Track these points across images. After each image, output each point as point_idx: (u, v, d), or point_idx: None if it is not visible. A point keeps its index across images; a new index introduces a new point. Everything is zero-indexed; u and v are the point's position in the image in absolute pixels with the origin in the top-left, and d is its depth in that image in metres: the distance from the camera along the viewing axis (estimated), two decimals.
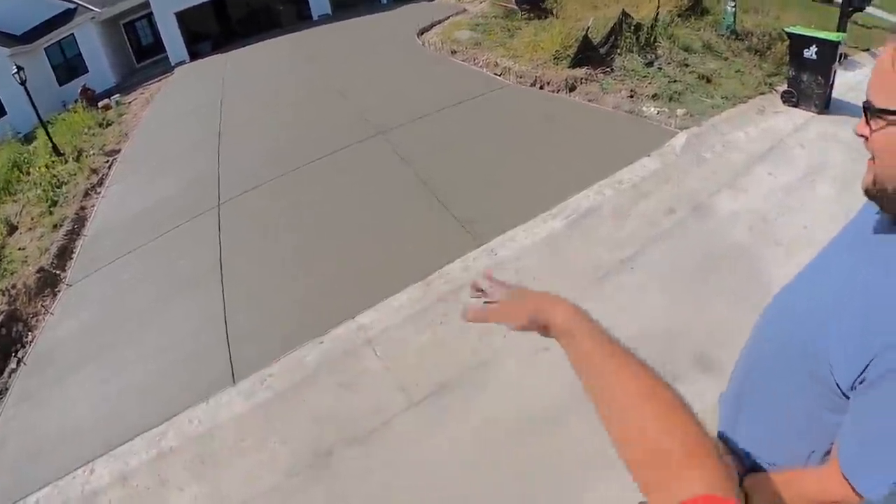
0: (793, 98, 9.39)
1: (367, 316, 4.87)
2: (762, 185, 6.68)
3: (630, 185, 6.26)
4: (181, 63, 22.07)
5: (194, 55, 22.57)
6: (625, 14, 10.09)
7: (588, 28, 9.43)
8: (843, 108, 9.87)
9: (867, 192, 1.16)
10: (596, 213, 5.80)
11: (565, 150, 7.17)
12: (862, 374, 1.06)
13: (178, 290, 6.59)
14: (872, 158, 1.10)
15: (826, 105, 9.44)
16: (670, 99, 8.61)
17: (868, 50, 16.40)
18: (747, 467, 1.50)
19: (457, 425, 3.70)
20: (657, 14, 10.83)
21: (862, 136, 1.12)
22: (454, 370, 4.10)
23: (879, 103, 1.03)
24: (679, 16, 12.23)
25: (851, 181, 6.28)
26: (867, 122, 1.08)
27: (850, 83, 11.28)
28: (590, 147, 7.24)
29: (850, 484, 1.11)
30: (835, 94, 9.82)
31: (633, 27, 10.08)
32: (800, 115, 9.15)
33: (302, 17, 23.97)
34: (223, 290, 6.15)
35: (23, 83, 13.56)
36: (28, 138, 18.00)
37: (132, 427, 4.67)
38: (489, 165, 7.05)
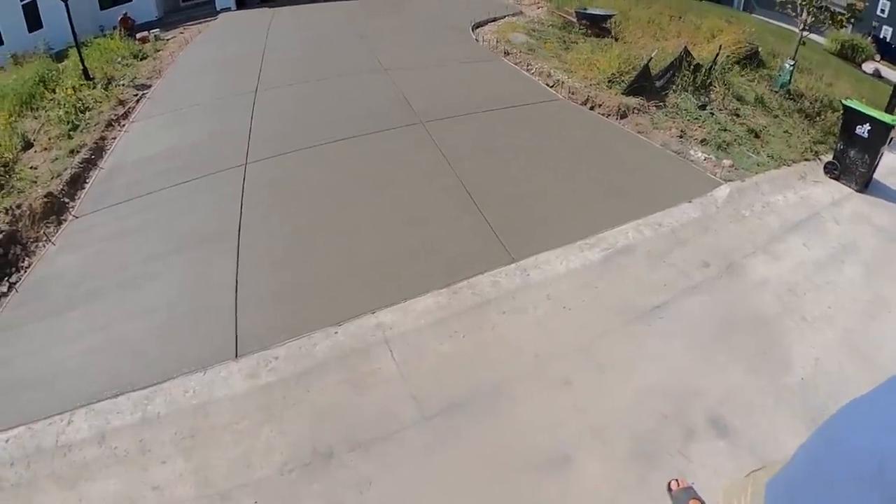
0: (835, 171, 9.27)
1: (387, 314, 4.70)
2: (795, 255, 6.59)
3: (669, 230, 6.16)
4: (226, 9, 21.71)
5: (241, 4, 22.18)
6: (686, 51, 9.92)
7: (651, 58, 9.25)
8: (881, 191, 9.75)
9: None
10: (632, 252, 5.70)
11: (609, 179, 7.04)
12: None
13: (190, 245, 6.28)
14: None
15: (866, 185, 9.34)
16: (718, 147, 8.48)
17: None
18: None
19: (466, 450, 3.57)
20: (717, 57, 10.67)
21: None
22: (469, 389, 3.96)
23: None
24: (737, 62, 12.08)
25: (879, 268, 6.25)
26: None
27: (891, 166, 11.18)
28: (633, 181, 7.11)
29: None
30: (876, 174, 9.71)
31: (691, 66, 9.91)
32: (839, 189, 9.03)
33: None
34: (238, 255, 5.88)
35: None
36: (59, 56, 17.53)
37: (119, 383, 4.42)
38: (530, 178, 6.90)
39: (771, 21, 19.65)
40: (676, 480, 3.48)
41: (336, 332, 4.55)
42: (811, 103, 12.25)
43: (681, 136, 8.42)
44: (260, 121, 9.00)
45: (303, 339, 4.53)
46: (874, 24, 28.31)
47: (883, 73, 29.14)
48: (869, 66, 25.81)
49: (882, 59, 27.79)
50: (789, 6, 11.89)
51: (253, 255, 5.87)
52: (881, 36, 29.33)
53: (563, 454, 3.58)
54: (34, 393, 4.59)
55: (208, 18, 20.06)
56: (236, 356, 4.45)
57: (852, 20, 11.83)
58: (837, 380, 4.83)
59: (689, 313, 5.07)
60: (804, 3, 11.48)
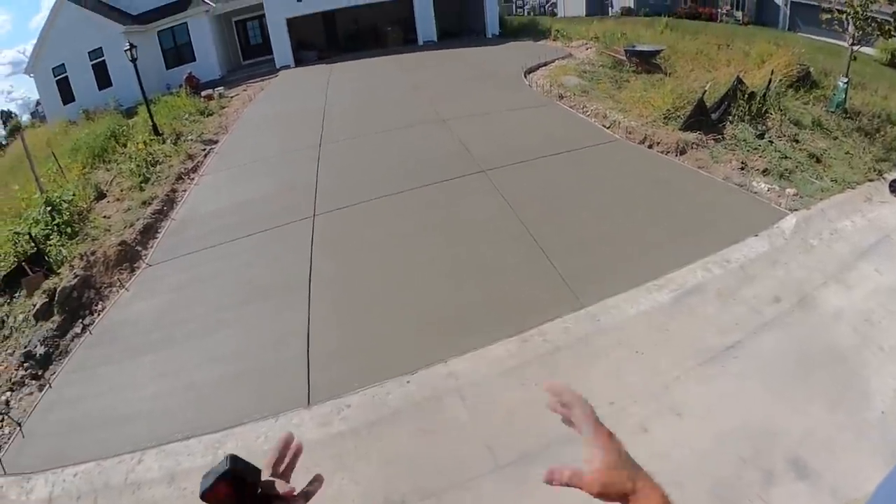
0: None
1: (458, 363, 4.73)
2: (868, 282, 6.56)
3: (738, 266, 6.25)
4: (286, 67, 22.93)
5: (299, 62, 23.45)
6: (739, 81, 10.04)
7: (705, 91, 9.42)
8: None
9: None
10: (702, 291, 5.78)
11: (673, 218, 7.15)
12: None
13: (261, 295, 6.43)
14: None
15: None
16: (780, 176, 8.55)
17: None
18: None
19: (542, 499, 3.66)
20: (769, 83, 10.74)
21: None
22: (543, 439, 3.84)
23: None
24: (790, 86, 12.08)
25: None
26: None
27: None
28: (698, 218, 7.19)
29: None
30: None
31: (745, 95, 10.02)
32: None
33: (408, 41, 24.56)
34: (309, 305, 5.98)
35: (133, 60, 14.13)
36: (129, 113, 18.78)
37: (190, 427, 4.51)
38: (594, 222, 7.05)
39: (818, 38, 19.39)
40: None
41: (408, 382, 4.59)
42: (869, 120, 12.11)
43: (742, 168, 8.52)
44: (325, 174, 9.36)
45: (375, 387, 4.56)
46: None
47: None
48: None
49: None
50: (836, 22, 11.88)
51: (323, 305, 5.97)
52: None
53: None
54: (105, 432, 4.75)
55: (269, 76, 21.18)
56: (308, 404, 4.50)
57: None
58: None
59: (764, 351, 5.07)
60: (850, 15, 11.47)
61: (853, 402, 4.70)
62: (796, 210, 7.68)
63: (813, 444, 4.20)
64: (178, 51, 24.49)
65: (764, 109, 10.32)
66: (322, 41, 25.88)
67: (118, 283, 7.39)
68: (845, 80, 12.00)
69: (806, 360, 5.08)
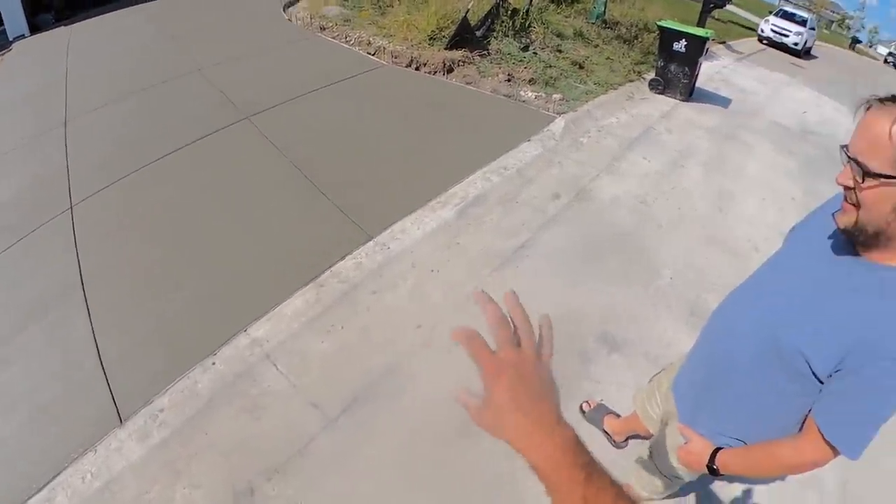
0: (660, 86, 9.76)
1: (259, 328, 4.25)
2: (637, 168, 6.84)
3: (515, 171, 6.13)
4: (20, 37, 19.41)
5: (35, 28, 19.91)
6: None
7: (468, 10, 9.19)
8: (704, 97, 10.46)
9: (845, 231, 1.42)
10: (484, 200, 5.58)
11: (447, 135, 6.89)
12: (839, 364, 1.37)
13: (36, 316, 5.18)
14: (855, 204, 1.35)
15: (690, 94, 9.93)
16: (546, 84, 8.60)
17: (724, 43, 17.68)
18: (718, 446, 1.76)
19: (383, 438, 3.28)
20: None
21: (844, 185, 1.37)
22: (365, 379, 3.69)
23: (877, 168, 1.26)
24: (552, 2, 12.39)
25: (716, 165, 6.60)
26: (854, 178, 1.33)
27: (708, 74, 12.00)
28: (471, 132, 7.01)
29: (829, 445, 1.42)
30: (697, 83, 10.36)
31: (509, 11, 9.99)
32: (666, 102, 9.53)
33: None
34: (89, 311, 4.98)
35: None
36: None
37: (9, 497, 3.71)
38: (370, 151, 6.56)
39: None
40: (587, 402, 3.54)
41: (214, 363, 4.02)
42: (627, 29, 12.86)
43: (509, 80, 8.43)
44: (76, 155, 7.80)
45: (182, 380, 3.96)
46: None
47: None
48: None
49: None
50: None
51: (104, 305, 5.02)
52: None
53: None
54: None
55: (2, 51, 17.84)
56: (121, 422, 3.79)
57: None
58: (703, 272, 5.11)
59: (553, 245, 5.09)
60: None
61: (644, 275, 4.95)
62: (564, 113, 7.76)
63: (617, 319, 4.35)
64: None
65: (527, 24, 10.40)
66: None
67: None
68: None
69: (594, 247, 5.19)
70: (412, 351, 3.89)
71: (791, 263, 1.69)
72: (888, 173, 1.25)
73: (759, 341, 1.58)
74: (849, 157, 1.34)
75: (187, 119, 7.86)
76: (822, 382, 1.43)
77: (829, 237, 1.54)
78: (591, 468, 0.75)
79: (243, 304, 4.51)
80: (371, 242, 5.03)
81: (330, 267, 4.77)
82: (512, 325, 0.83)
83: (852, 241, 1.44)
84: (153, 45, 12.16)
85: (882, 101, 1.30)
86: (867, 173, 1.28)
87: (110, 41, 14.12)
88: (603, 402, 3.52)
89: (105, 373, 4.27)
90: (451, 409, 3.10)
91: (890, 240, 1.34)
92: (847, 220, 1.39)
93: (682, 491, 2.67)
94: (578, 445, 0.77)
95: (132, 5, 17.68)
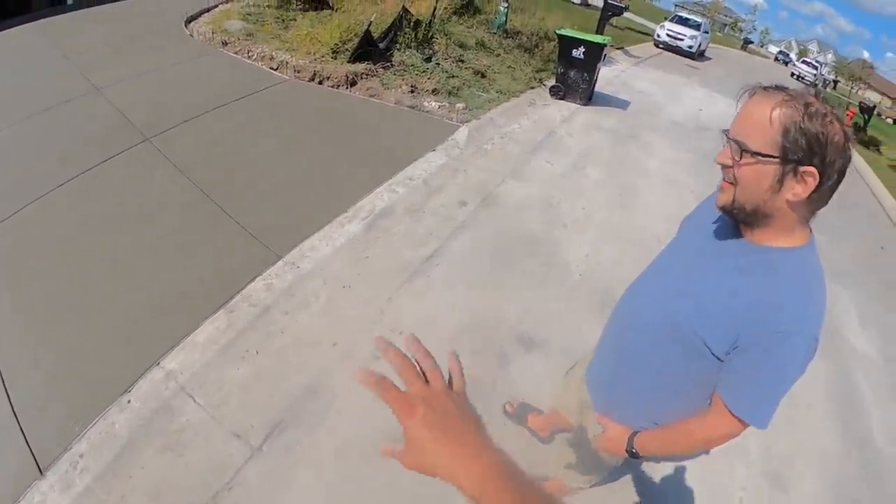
0: (560, 92, 10.11)
1: (172, 359, 4.06)
2: (541, 172, 7.07)
3: (421, 181, 6.20)
4: None
5: None
6: (405, 10, 10.07)
7: (370, 23, 9.22)
8: (603, 100, 10.93)
9: (724, 209, 1.50)
10: (392, 212, 5.60)
11: (352, 149, 6.87)
12: (735, 342, 1.45)
13: None
14: (732, 183, 1.44)
15: (589, 98, 10.35)
16: (449, 94, 8.75)
17: (622, 48, 18.47)
18: (634, 430, 1.84)
19: (308, 465, 3.21)
20: (434, 10, 11.01)
21: (723, 164, 1.45)
22: (286, 403, 3.62)
23: (756, 147, 1.35)
24: (454, 13, 12.60)
25: (617, 163, 6.92)
26: (732, 156, 1.41)
27: (606, 78, 12.54)
28: (376, 144, 7.04)
29: (737, 419, 1.50)
30: (596, 87, 10.81)
31: (412, 23, 10.10)
32: (566, 107, 9.90)
33: (54, 2, 20.56)
34: None
35: None
36: None
37: None
38: (275, 168, 6.43)
39: None
40: (509, 403, 3.59)
41: (129, 401, 3.77)
42: (528, 38, 13.24)
43: (412, 91, 8.52)
44: None
45: (99, 421, 3.71)
46: None
47: (590, 1, 32.71)
48: None
49: None
50: None
51: (9, 347, 4.66)
52: None
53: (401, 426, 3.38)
54: None
55: None
56: (41, 473, 3.59)
57: None
58: (610, 265, 5.33)
59: (463, 252, 5.17)
60: None
61: (555, 275, 5.12)
62: (468, 122, 7.93)
63: (532, 319, 4.45)
64: None
65: (430, 35, 10.53)
66: None
67: None
68: (505, 3, 13.00)
69: (503, 251, 5.32)
70: (331, 368, 3.84)
71: (684, 250, 1.79)
72: (765, 152, 1.33)
73: (660, 327, 1.67)
74: (728, 137, 1.43)
75: (86, 143, 7.47)
76: (721, 360, 1.51)
77: (715, 222, 1.65)
78: (526, 489, 0.73)
79: (154, 336, 4.31)
80: (280, 262, 4.94)
81: (240, 290, 4.64)
82: (416, 364, 0.82)
83: (736, 224, 1.53)
84: (48, 64, 11.53)
85: (765, 88, 1.40)
86: (745, 151, 1.36)
87: (1, 61, 13.25)
88: (525, 401, 3.59)
89: (19, 421, 4.00)
90: (375, 423, 3.15)
91: (768, 217, 1.42)
92: (725, 198, 1.47)
93: (612, 476, 2.78)
94: (510, 467, 0.75)
95: (25, 23, 16.65)
